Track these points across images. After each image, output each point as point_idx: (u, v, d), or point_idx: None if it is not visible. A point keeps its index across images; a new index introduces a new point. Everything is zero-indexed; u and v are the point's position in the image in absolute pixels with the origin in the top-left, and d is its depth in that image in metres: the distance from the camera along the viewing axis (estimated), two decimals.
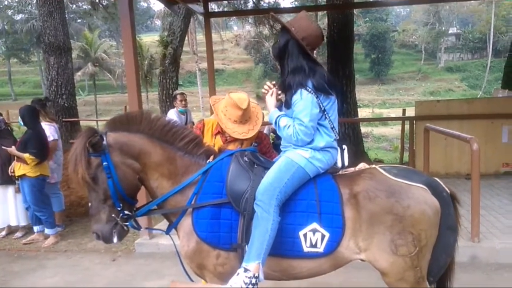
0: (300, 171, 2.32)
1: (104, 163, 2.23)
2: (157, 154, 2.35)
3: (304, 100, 2.27)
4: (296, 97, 2.29)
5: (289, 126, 2.33)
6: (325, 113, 2.36)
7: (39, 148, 5.32)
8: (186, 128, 2.54)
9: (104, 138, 2.26)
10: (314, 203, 2.29)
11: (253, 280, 2.16)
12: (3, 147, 5.49)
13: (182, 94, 6.90)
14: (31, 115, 5.46)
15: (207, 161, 2.44)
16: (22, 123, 5.48)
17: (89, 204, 2.35)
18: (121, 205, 2.30)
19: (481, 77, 43.91)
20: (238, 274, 2.18)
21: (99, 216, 2.30)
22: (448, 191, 2.37)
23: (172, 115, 6.52)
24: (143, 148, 2.33)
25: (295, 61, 2.34)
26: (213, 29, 14.83)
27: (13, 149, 5.34)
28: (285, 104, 2.43)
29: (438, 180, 2.40)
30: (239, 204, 2.29)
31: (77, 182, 2.22)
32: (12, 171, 5.46)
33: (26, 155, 5.22)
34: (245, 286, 2.14)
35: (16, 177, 5.41)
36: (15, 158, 5.41)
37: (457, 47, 50.91)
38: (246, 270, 2.17)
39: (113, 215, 2.30)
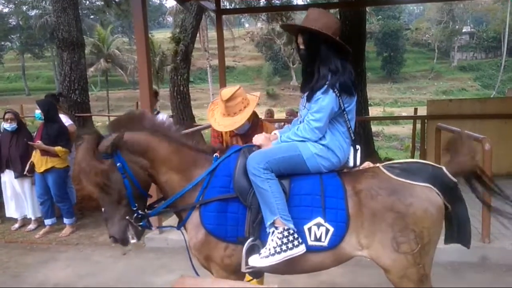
0: (299, 159, 2.35)
1: (118, 164, 2.24)
2: (164, 149, 2.38)
3: (329, 97, 2.31)
4: (320, 95, 2.33)
5: (297, 128, 2.40)
6: (345, 113, 2.40)
7: (67, 139, 5.58)
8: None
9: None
10: (319, 198, 2.31)
11: (285, 233, 2.22)
12: (29, 143, 5.54)
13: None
14: (54, 108, 5.69)
15: (214, 155, 2.48)
16: (42, 117, 5.54)
17: (102, 209, 2.32)
18: (136, 204, 2.32)
19: (495, 77, 43.30)
20: (272, 234, 2.24)
21: (114, 219, 2.30)
22: (454, 180, 2.37)
23: None
24: (149, 144, 2.35)
25: (330, 64, 2.35)
26: (224, 26, 14.82)
27: (41, 144, 5.41)
28: (307, 98, 2.43)
29: (444, 169, 2.37)
30: (246, 198, 2.33)
31: (89, 187, 2.22)
32: (28, 168, 5.54)
33: (58, 148, 5.41)
34: (279, 242, 2.21)
35: (42, 172, 5.48)
36: (34, 152, 5.51)
37: (470, 46, 50.18)
38: (274, 227, 2.24)
39: (127, 217, 2.31)
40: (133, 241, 2.35)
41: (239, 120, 2.76)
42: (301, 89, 2.57)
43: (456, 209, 2.39)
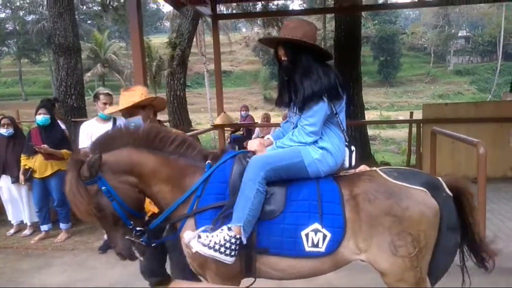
0: (301, 165, 2.34)
1: (103, 188, 2.20)
2: (150, 162, 2.32)
3: (321, 102, 2.33)
4: (311, 104, 2.33)
5: (292, 133, 2.42)
6: (337, 116, 2.42)
7: (69, 142, 5.68)
8: (172, 133, 2.49)
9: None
10: (316, 203, 2.30)
11: (233, 240, 2.20)
12: (35, 147, 5.42)
13: (107, 94, 4.88)
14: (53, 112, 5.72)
15: (206, 162, 2.44)
16: (49, 120, 5.51)
17: (104, 231, 2.33)
18: (131, 222, 2.29)
19: (491, 81, 43.52)
20: (222, 230, 2.23)
21: (116, 239, 2.31)
22: (449, 193, 2.36)
23: (87, 128, 4.68)
24: (133, 160, 2.29)
25: (313, 74, 2.35)
26: (221, 31, 14.81)
27: (47, 147, 5.39)
28: (298, 109, 2.41)
29: (441, 180, 2.41)
30: None
31: (82, 216, 2.20)
32: (25, 175, 5.49)
33: (65, 151, 5.47)
34: (223, 242, 2.19)
35: (44, 177, 5.47)
36: (28, 158, 5.49)
37: (466, 50, 50.49)
38: (230, 229, 2.23)
39: (127, 235, 2.30)
40: (140, 258, 2.35)
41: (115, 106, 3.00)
42: (284, 103, 2.54)
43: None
